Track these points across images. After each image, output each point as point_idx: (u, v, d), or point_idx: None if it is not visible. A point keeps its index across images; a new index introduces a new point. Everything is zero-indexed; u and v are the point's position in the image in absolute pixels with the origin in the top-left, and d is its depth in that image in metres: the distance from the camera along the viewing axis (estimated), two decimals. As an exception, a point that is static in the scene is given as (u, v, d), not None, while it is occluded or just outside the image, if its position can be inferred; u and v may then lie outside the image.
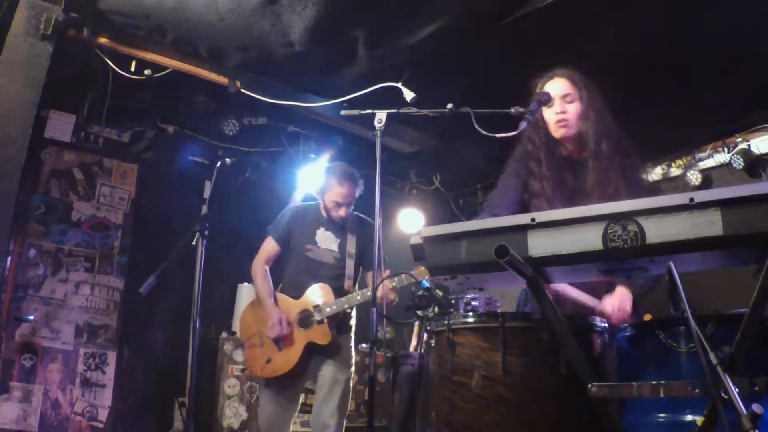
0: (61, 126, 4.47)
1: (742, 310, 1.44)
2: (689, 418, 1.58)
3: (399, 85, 2.68)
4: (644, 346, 1.74)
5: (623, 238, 1.42)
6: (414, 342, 4.79)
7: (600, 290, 2.24)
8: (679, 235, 1.38)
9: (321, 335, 3.30)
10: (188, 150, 4.97)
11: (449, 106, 2.34)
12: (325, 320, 3.31)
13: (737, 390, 1.27)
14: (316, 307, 3.34)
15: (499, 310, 3.69)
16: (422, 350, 3.49)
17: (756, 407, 1.23)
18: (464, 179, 5.90)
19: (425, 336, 3.36)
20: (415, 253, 1.67)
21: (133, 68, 3.95)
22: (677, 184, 4.66)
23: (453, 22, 3.50)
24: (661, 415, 1.65)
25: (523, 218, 1.53)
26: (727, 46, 3.44)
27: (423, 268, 1.94)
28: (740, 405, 1.24)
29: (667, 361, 1.66)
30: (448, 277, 1.66)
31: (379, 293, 2.36)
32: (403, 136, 5.05)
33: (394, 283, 3.22)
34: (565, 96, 2.30)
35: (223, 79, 4.10)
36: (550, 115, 2.32)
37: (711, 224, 1.35)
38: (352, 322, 3.52)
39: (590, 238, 1.45)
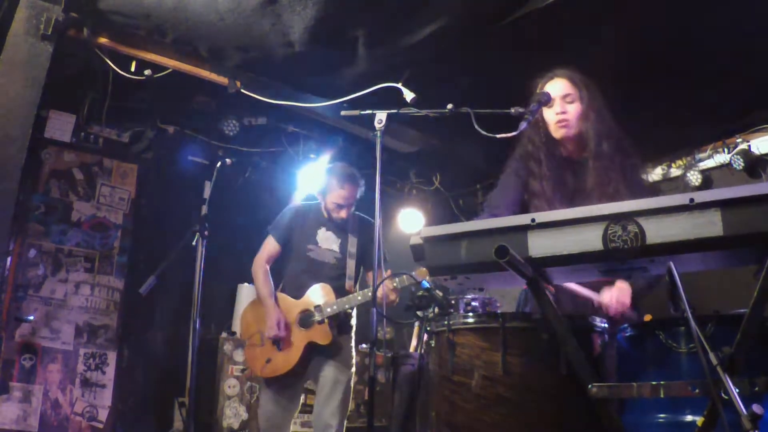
0: (61, 126, 4.47)
1: (742, 310, 1.43)
2: (689, 418, 1.58)
3: (399, 85, 2.68)
4: (644, 346, 1.74)
5: (623, 239, 1.42)
6: (414, 342, 4.79)
7: (601, 289, 2.24)
8: (679, 235, 1.38)
9: (322, 335, 3.30)
10: (188, 150, 4.97)
11: (449, 106, 2.34)
12: (326, 320, 3.31)
13: (737, 390, 1.27)
14: (317, 307, 3.34)
15: (499, 310, 3.69)
16: (422, 350, 3.49)
17: (756, 407, 1.23)
18: (464, 179, 5.90)
19: (425, 336, 3.36)
20: (415, 254, 1.67)
21: (133, 68, 3.94)
22: (677, 184, 4.66)
23: (453, 22, 3.50)
24: (661, 415, 1.65)
25: (523, 218, 1.53)
26: (727, 46, 3.43)
27: (424, 268, 1.94)
28: (740, 405, 1.24)
29: (667, 362, 1.66)
30: (448, 278, 1.66)
31: (379, 293, 2.36)
32: (403, 136, 5.05)
33: (395, 284, 3.21)
34: (565, 96, 2.30)
35: (223, 79, 4.10)
36: (550, 115, 2.32)
37: (711, 224, 1.35)
38: (353, 322, 3.52)
39: (590, 239, 1.45)
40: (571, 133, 2.31)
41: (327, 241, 3.51)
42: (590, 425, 1.60)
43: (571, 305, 2.26)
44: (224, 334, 4.65)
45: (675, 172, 4.75)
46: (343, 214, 3.48)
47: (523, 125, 2.18)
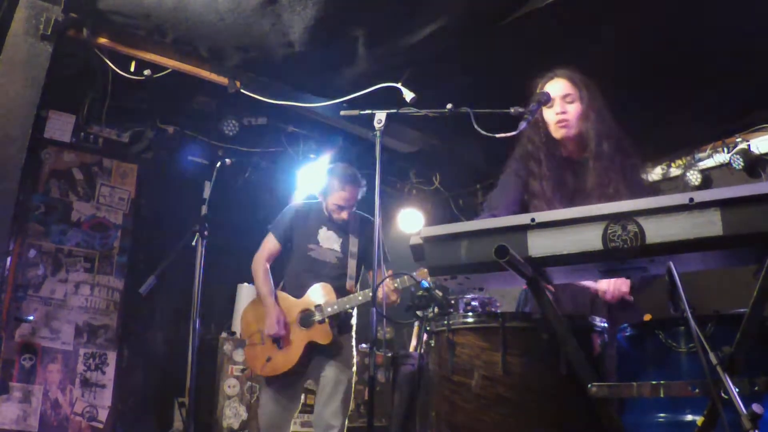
0: (60, 126, 4.47)
1: (742, 310, 1.43)
2: (689, 418, 1.58)
3: (399, 85, 2.68)
4: (644, 346, 1.74)
5: (623, 238, 1.42)
6: (414, 342, 4.79)
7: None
8: (679, 235, 1.38)
9: (322, 335, 3.30)
10: (188, 150, 4.97)
11: (449, 106, 2.35)
12: (327, 320, 3.31)
13: (737, 390, 1.27)
14: (318, 306, 3.34)
15: (499, 310, 3.69)
16: (422, 350, 3.49)
17: (756, 407, 1.23)
18: (464, 179, 5.90)
19: (425, 336, 3.36)
20: (414, 254, 1.67)
21: (133, 68, 3.94)
22: (677, 184, 4.66)
23: (453, 22, 3.50)
24: (661, 415, 1.65)
25: (523, 218, 1.53)
26: (727, 46, 3.44)
27: (424, 269, 1.95)
28: (740, 405, 1.24)
29: (667, 361, 1.66)
30: (448, 278, 1.66)
31: (380, 294, 2.36)
32: (403, 136, 5.05)
33: (395, 285, 3.21)
34: (565, 96, 2.30)
35: (223, 79, 4.10)
36: (550, 115, 2.32)
37: (711, 224, 1.35)
38: (353, 321, 3.52)
39: (590, 238, 1.45)
40: (571, 133, 2.31)
41: (328, 240, 3.50)
42: (590, 425, 1.60)
43: (571, 305, 2.26)
44: (224, 334, 4.65)
45: (675, 171, 4.75)
46: (344, 215, 3.48)
47: (522, 125, 2.17)
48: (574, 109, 2.29)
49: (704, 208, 1.36)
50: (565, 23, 3.38)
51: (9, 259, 4.04)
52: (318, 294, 3.37)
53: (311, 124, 5.01)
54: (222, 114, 4.76)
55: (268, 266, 3.49)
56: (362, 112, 2.49)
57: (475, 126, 2.23)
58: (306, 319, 3.34)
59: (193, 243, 3.08)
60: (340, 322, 3.39)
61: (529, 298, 2.52)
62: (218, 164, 3.24)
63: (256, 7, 3.45)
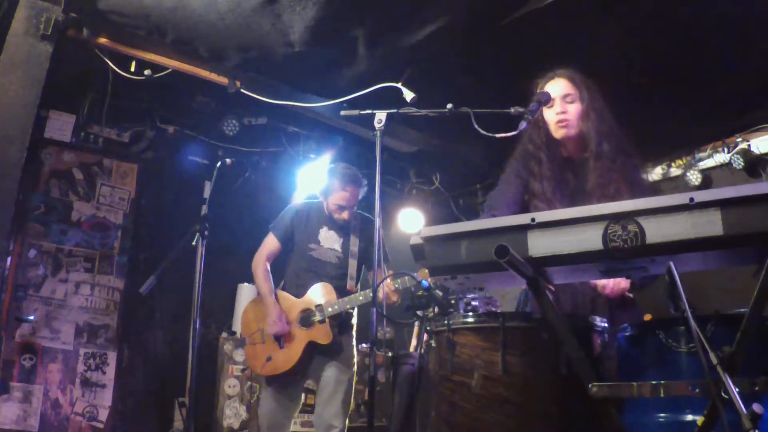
0: (61, 126, 4.47)
1: (742, 310, 1.43)
2: (689, 418, 1.58)
3: (399, 85, 2.67)
4: (644, 346, 1.74)
5: (623, 238, 1.42)
6: (414, 342, 4.79)
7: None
8: (679, 235, 1.38)
9: (322, 335, 3.30)
10: (188, 150, 4.97)
11: (449, 106, 2.34)
12: (327, 320, 3.31)
13: (737, 390, 1.27)
14: (318, 306, 3.34)
15: (499, 310, 3.69)
16: (422, 350, 3.50)
17: (756, 407, 1.23)
18: (464, 179, 5.90)
19: (425, 336, 3.36)
20: (415, 254, 1.66)
21: (133, 68, 3.95)
22: (677, 184, 4.66)
23: (453, 22, 3.50)
24: (661, 415, 1.65)
25: (523, 218, 1.53)
26: (727, 45, 3.44)
27: (424, 269, 1.94)
28: (740, 405, 1.24)
29: (667, 361, 1.66)
30: (448, 277, 1.65)
31: (380, 294, 2.36)
32: (403, 136, 5.05)
33: (396, 285, 3.21)
34: (565, 96, 2.30)
35: (223, 79, 4.10)
36: (550, 115, 2.32)
37: (711, 224, 1.35)
38: (354, 321, 3.52)
39: (590, 238, 1.45)
40: (571, 133, 2.31)
41: (329, 240, 3.50)
42: (590, 425, 1.60)
43: (571, 305, 2.26)
44: (224, 334, 4.65)
45: (675, 171, 4.75)
46: (345, 215, 3.48)
47: (522, 125, 2.17)
48: (574, 109, 2.29)
49: (704, 208, 1.36)
50: (565, 23, 3.38)
51: (9, 259, 4.03)
52: (318, 294, 3.37)
53: (311, 124, 5.01)
54: (222, 114, 4.76)
55: (268, 265, 3.49)
56: (362, 112, 2.48)
57: (476, 126, 2.23)
58: (306, 318, 3.34)
59: (193, 243, 3.07)
60: (340, 322, 3.39)
61: (529, 298, 2.52)
62: (218, 164, 3.24)
63: (256, 7, 3.45)
